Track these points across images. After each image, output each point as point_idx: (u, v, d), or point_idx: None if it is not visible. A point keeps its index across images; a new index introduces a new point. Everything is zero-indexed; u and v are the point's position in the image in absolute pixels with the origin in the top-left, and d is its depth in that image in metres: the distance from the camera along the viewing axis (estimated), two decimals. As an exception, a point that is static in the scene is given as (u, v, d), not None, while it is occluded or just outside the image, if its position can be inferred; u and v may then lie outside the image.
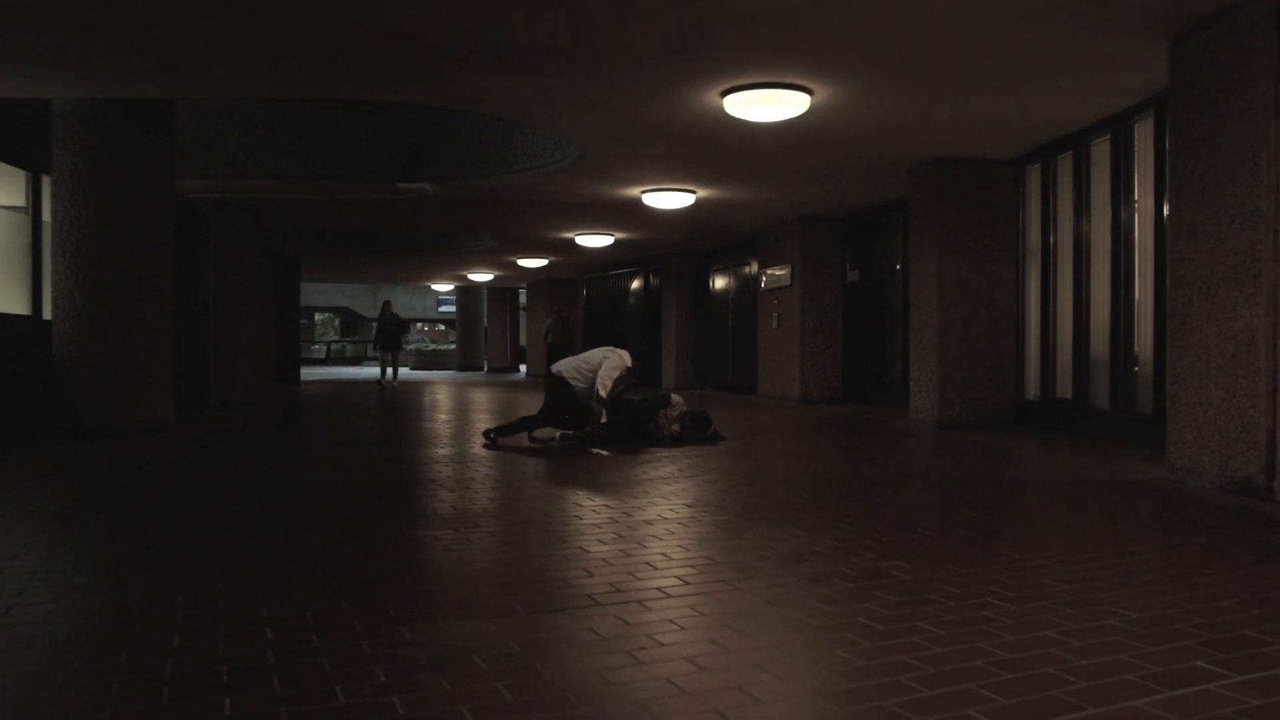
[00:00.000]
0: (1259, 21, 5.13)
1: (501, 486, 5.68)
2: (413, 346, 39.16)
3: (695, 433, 8.00)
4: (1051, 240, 9.24)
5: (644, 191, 11.74)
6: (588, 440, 7.85)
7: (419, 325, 50.13)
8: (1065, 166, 8.96)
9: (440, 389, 18.79)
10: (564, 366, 8.14)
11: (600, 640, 2.65)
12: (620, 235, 16.21)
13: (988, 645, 2.59)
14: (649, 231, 15.71)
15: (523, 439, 8.05)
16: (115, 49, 6.39)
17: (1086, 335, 8.61)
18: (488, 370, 30.87)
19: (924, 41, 6.14)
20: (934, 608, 2.96)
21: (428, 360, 34.95)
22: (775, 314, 14.64)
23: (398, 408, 13.34)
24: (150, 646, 2.61)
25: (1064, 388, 9.02)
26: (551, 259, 20.57)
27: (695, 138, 8.85)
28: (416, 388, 19.29)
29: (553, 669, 2.42)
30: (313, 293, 37.50)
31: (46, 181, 9.14)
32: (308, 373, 26.34)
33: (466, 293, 31.09)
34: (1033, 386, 9.62)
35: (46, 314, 9.07)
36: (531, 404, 12.88)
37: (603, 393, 7.77)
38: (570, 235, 16.38)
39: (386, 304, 19.49)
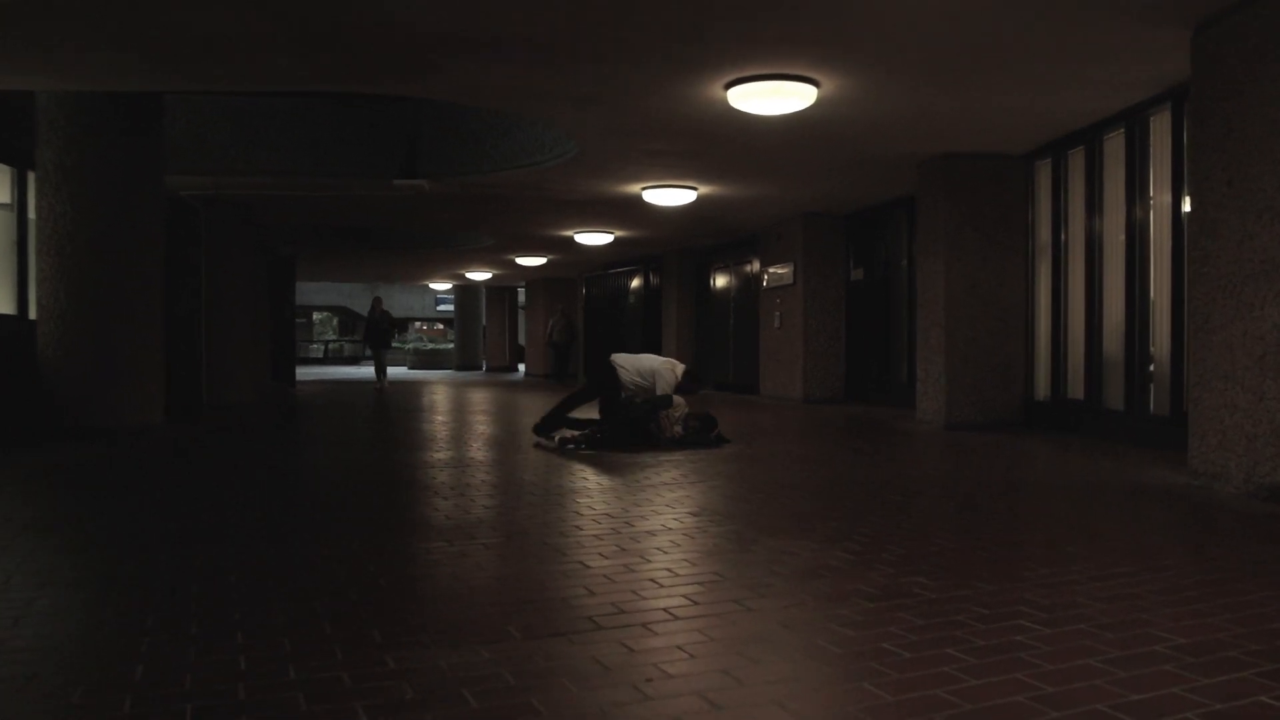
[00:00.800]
0: (1289, 7, 4.92)
1: (499, 493, 5.46)
2: (411, 345, 38.94)
3: (698, 435, 7.80)
4: (1063, 237, 9.01)
5: (644, 188, 11.52)
6: (588, 443, 7.65)
7: (418, 325, 49.87)
8: (1077, 161, 8.73)
9: (438, 389, 18.56)
10: (621, 358, 8.12)
11: (603, 671, 2.43)
12: (620, 233, 15.98)
13: (1027, 676, 2.37)
14: (649, 229, 15.48)
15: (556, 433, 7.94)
16: (104, 40, 6.16)
17: (1100, 334, 8.39)
18: (486, 369, 30.65)
19: (935, 31, 5.93)
20: (963, 631, 2.74)
21: (426, 359, 34.72)
22: (777, 313, 14.41)
23: (394, 409, 13.12)
24: (111, 679, 2.39)
25: (1076, 388, 8.80)
26: (551, 257, 20.32)
27: (698, 132, 8.63)
28: (414, 388, 19.05)
29: (551, 706, 2.20)
30: (310, 292, 37.29)
31: (33, 178, 8.91)
32: (304, 372, 26.12)
33: (465, 291, 30.83)
34: (1043, 387, 9.41)
35: (34, 313, 8.84)
36: (532, 404, 12.68)
37: (668, 390, 7.82)
38: (570, 233, 16.14)
39: (377, 300, 18.70)
